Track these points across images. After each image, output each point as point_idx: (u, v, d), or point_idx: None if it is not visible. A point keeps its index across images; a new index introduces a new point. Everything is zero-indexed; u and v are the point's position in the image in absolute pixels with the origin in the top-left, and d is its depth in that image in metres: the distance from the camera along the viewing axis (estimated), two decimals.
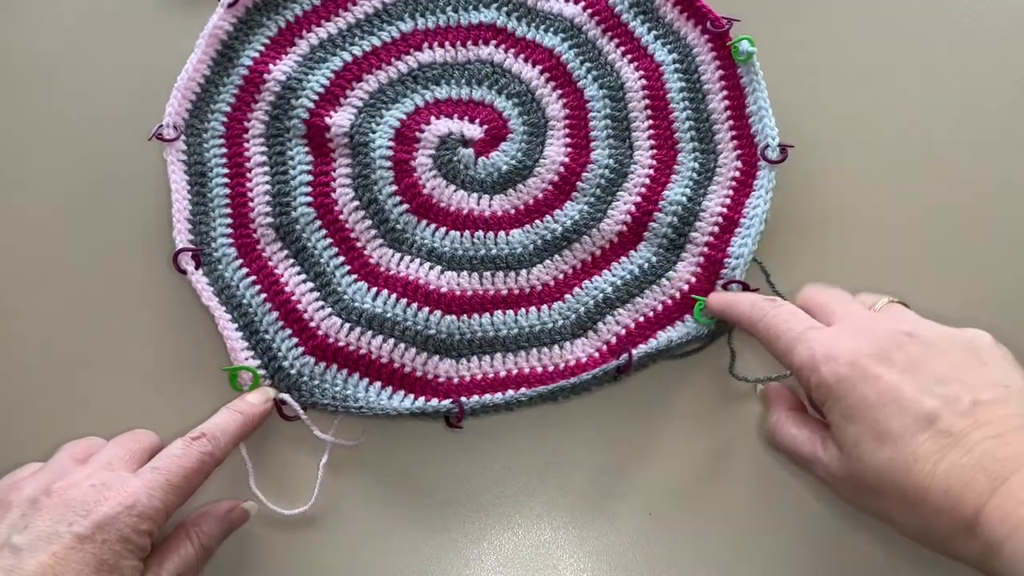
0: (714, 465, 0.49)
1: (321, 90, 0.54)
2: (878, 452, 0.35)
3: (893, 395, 0.36)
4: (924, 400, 0.35)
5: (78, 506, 0.37)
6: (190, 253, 0.50)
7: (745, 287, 0.50)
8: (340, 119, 0.53)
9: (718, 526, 0.47)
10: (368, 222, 0.52)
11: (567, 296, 0.51)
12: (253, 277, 0.50)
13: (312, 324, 0.49)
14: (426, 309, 0.50)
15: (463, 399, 0.48)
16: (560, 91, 0.55)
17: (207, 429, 0.43)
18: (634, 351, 0.48)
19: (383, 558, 0.47)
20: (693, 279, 0.51)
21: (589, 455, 0.49)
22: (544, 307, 0.51)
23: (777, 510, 0.48)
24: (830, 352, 0.38)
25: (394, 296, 0.50)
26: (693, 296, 0.50)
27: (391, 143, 0.53)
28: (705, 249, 0.51)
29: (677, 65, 0.55)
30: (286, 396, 0.47)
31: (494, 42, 0.56)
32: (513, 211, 0.53)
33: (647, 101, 0.54)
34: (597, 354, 0.50)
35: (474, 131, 0.54)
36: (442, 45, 0.56)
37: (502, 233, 0.52)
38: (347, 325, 0.49)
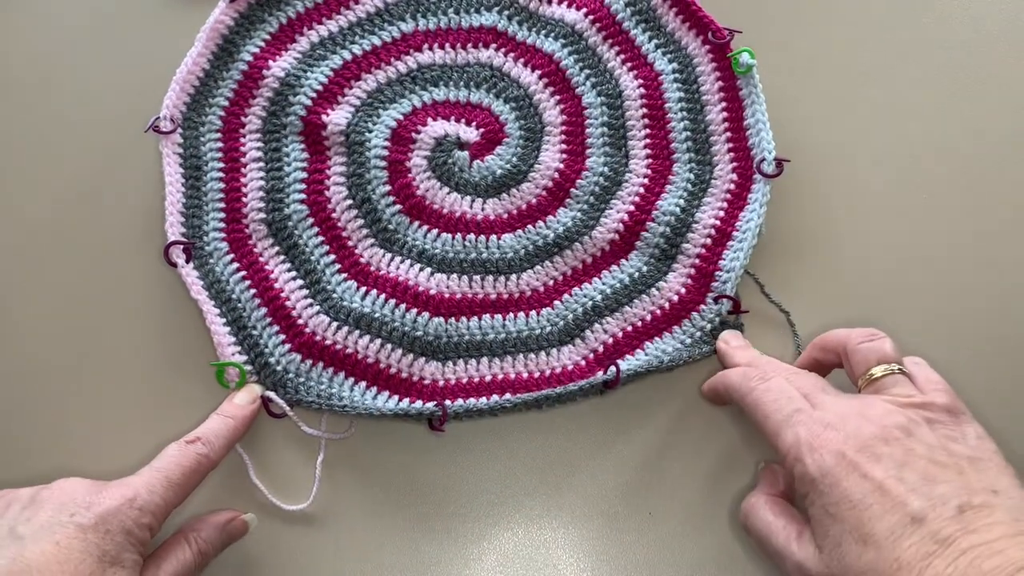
0: (714, 465, 0.48)
1: (319, 88, 0.54)
2: (862, 555, 0.34)
3: (879, 494, 0.35)
4: (911, 500, 0.34)
5: (80, 499, 0.38)
6: (181, 246, 0.50)
7: (735, 303, 0.50)
8: (337, 117, 0.53)
9: (718, 526, 0.47)
10: (360, 221, 0.52)
11: (556, 303, 0.51)
12: (243, 272, 0.50)
13: (300, 321, 0.49)
14: (414, 310, 0.50)
15: (447, 402, 0.47)
16: (558, 97, 0.55)
17: (201, 433, 0.43)
18: (623, 365, 0.48)
19: (383, 558, 0.47)
20: (683, 290, 0.51)
21: (589, 455, 0.49)
22: (533, 313, 0.51)
23: None
24: (816, 441, 0.37)
25: (383, 296, 0.50)
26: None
27: (387, 143, 0.53)
28: (697, 261, 0.51)
29: (677, 75, 0.54)
30: (271, 394, 0.47)
31: (494, 45, 0.56)
32: (506, 215, 0.52)
33: (645, 110, 0.54)
34: (584, 362, 0.50)
35: (470, 134, 0.54)
36: (442, 47, 0.56)
37: (494, 237, 0.52)
38: (335, 324, 0.49)
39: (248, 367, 0.48)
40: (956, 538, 0.33)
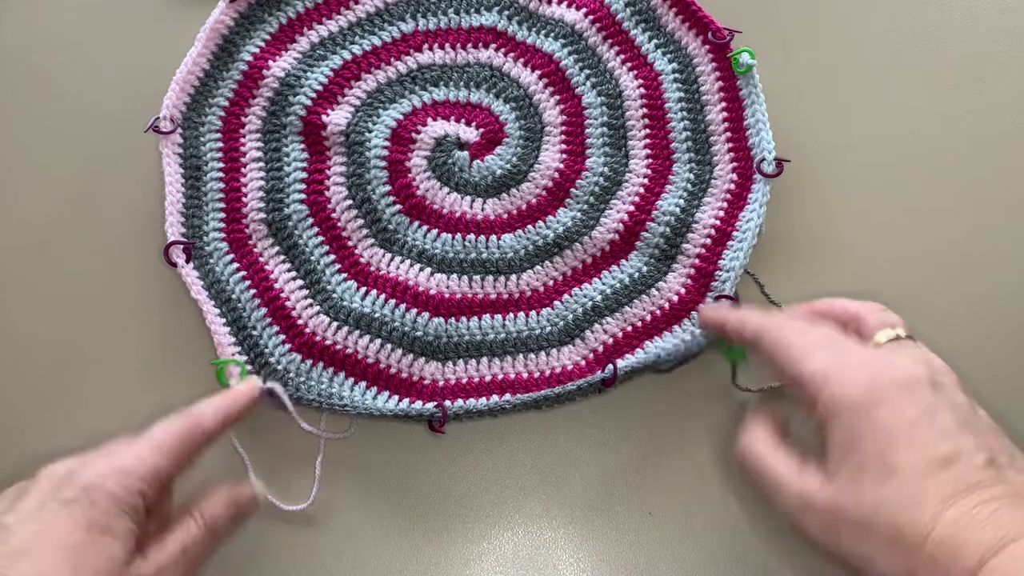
0: (714, 465, 0.48)
1: (319, 88, 0.54)
2: (880, 486, 0.33)
3: (909, 429, 0.34)
4: (941, 443, 0.33)
5: (64, 476, 0.37)
6: (181, 246, 0.50)
7: (734, 302, 0.50)
8: (337, 117, 0.53)
9: (718, 526, 0.47)
10: (360, 221, 0.52)
11: (556, 303, 0.51)
12: (243, 272, 0.50)
13: (300, 321, 0.49)
14: (414, 310, 0.50)
15: (447, 403, 0.47)
16: (558, 97, 0.55)
17: (195, 408, 0.41)
18: (620, 363, 0.48)
19: (383, 558, 0.47)
20: (683, 290, 0.50)
21: (589, 455, 0.49)
22: (532, 313, 0.51)
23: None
24: (846, 371, 0.36)
25: (383, 296, 0.50)
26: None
27: (387, 143, 0.53)
28: (696, 261, 0.51)
29: (677, 75, 0.54)
30: (276, 385, 0.47)
31: (494, 46, 0.56)
32: (506, 215, 0.52)
33: (645, 110, 0.54)
34: (583, 362, 0.50)
35: (470, 134, 0.54)
36: (442, 47, 0.56)
37: (494, 237, 0.52)
38: (335, 324, 0.49)
39: (248, 367, 0.48)
40: (983, 486, 0.32)
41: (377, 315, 0.49)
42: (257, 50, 0.55)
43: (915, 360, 0.37)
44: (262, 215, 0.52)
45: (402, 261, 0.51)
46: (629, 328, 0.50)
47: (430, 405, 0.47)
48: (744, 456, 0.39)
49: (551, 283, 0.51)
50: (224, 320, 0.49)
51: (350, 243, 0.52)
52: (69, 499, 0.35)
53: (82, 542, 0.34)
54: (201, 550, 0.39)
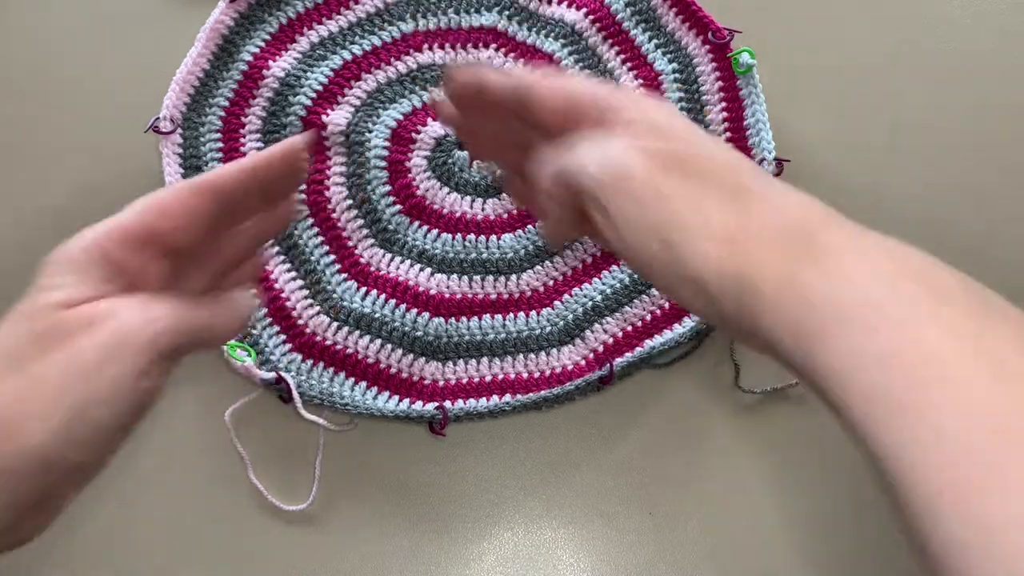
0: (714, 465, 0.48)
1: (319, 88, 0.54)
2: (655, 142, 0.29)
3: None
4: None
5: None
6: None
7: None
8: (337, 117, 0.53)
9: (718, 526, 0.47)
10: (360, 221, 0.52)
11: (556, 303, 0.51)
12: None
13: (300, 322, 0.49)
14: (414, 311, 0.50)
15: (447, 404, 0.47)
16: None
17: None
18: (616, 361, 0.48)
19: (383, 558, 0.47)
20: None
21: (589, 455, 0.49)
22: (532, 313, 0.51)
23: (777, 510, 0.48)
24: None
25: (383, 296, 0.50)
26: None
27: (387, 143, 0.53)
28: None
29: (677, 75, 0.54)
30: (285, 375, 0.47)
31: (494, 46, 0.56)
32: (506, 216, 0.52)
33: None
34: (583, 362, 0.50)
35: None
36: (442, 47, 0.56)
37: (494, 237, 0.52)
38: (335, 324, 0.49)
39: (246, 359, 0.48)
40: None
41: (377, 315, 0.49)
42: (257, 50, 0.55)
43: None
44: None
45: (402, 261, 0.51)
46: (629, 328, 0.50)
47: (431, 407, 0.47)
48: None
49: (551, 283, 0.51)
50: None
51: (350, 243, 0.52)
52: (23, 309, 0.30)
53: (25, 355, 0.28)
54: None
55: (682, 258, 0.28)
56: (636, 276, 0.51)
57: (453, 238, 0.52)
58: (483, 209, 0.52)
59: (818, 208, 0.30)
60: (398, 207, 0.52)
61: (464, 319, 0.50)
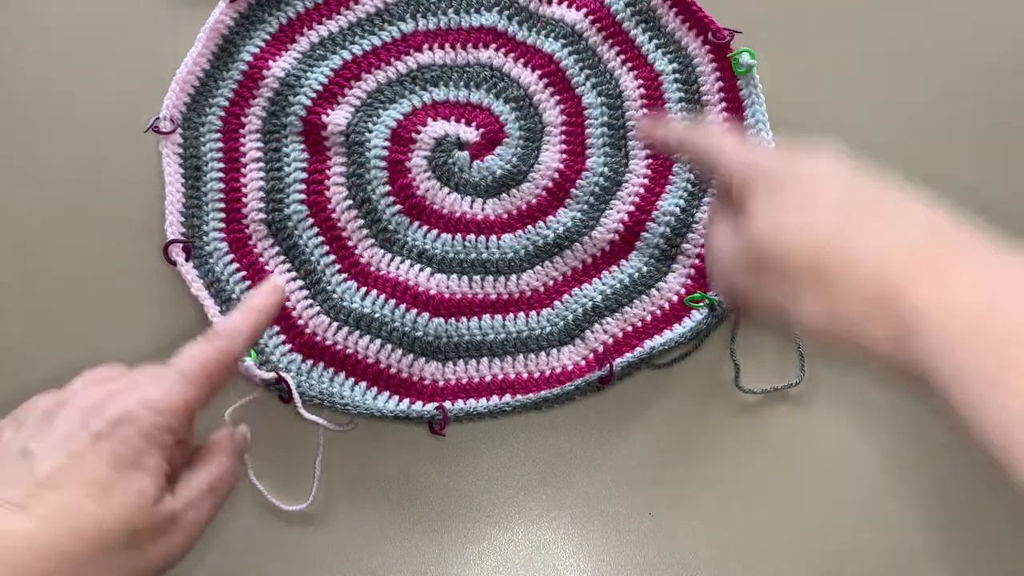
0: (714, 465, 0.49)
1: (319, 88, 0.54)
2: (801, 215, 0.33)
3: (829, 175, 0.34)
4: (867, 187, 0.34)
5: (92, 408, 0.34)
6: (180, 245, 0.50)
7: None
8: (337, 117, 0.53)
9: (718, 526, 0.47)
10: (360, 221, 0.52)
11: (556, 303, 0.51)
12: (243, 272, 0.51)
13: (300, 322, 0.49)
14: (414, 311, 0.50)
15: (447, 405, 0.47)
16: (558, 97, 0.55)
17: (219, 327, 0.39)
18: (616, 361, 0.48)
19: (383, 558, 0.47)
20: (683, 290, 0.51)
21: (589, 455, 0.49)
22: (533, 313, 0.51)
23: (777, 510, 0.48)
24: (765, 152, 0.37)
25: (383, 297, 0.50)
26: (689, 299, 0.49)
27: (387, 143, 0.53)
28: (696, 260, 0.51)
29: (677, 75, 0.55)
30: (285, 375, 0.47)
31: (494, 46, 0.56)
32: (506, 216, 0.52)
33: (645, 110, 0.54)
34: (584, 362, 0.50)
35: (470, 134, 0.54)
36: (442, 47, 0.56)
37: (494, 237, 0.52)
38: (335, 324, 0.49)
39: (255, 352, 0.48)
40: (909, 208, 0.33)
41: (377, 315, 0.49)
42: (257, 50, 0.55)
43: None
44: (262, 215, 0.52)
45: (402, 261, 0.51)
46: (629, 328, 0.50)
47: (431, 407, 0.47)
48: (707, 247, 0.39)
49: (551, 283, 0.51)
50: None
51: (350, 243, 0.52)
52: (98, 432, 0.33)
53: (111, 478, 0.32)
54: (228, 487, 0.38)
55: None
56: (636, 276, 0.51)
57: (453, 238, 0.52)
58: (483, 209, 0.52)
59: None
60: (398, 207, 0.52)
61: (464, 319, 0.50)
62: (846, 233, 0.32)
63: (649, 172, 0.53)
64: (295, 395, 0.46)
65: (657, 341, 0.49)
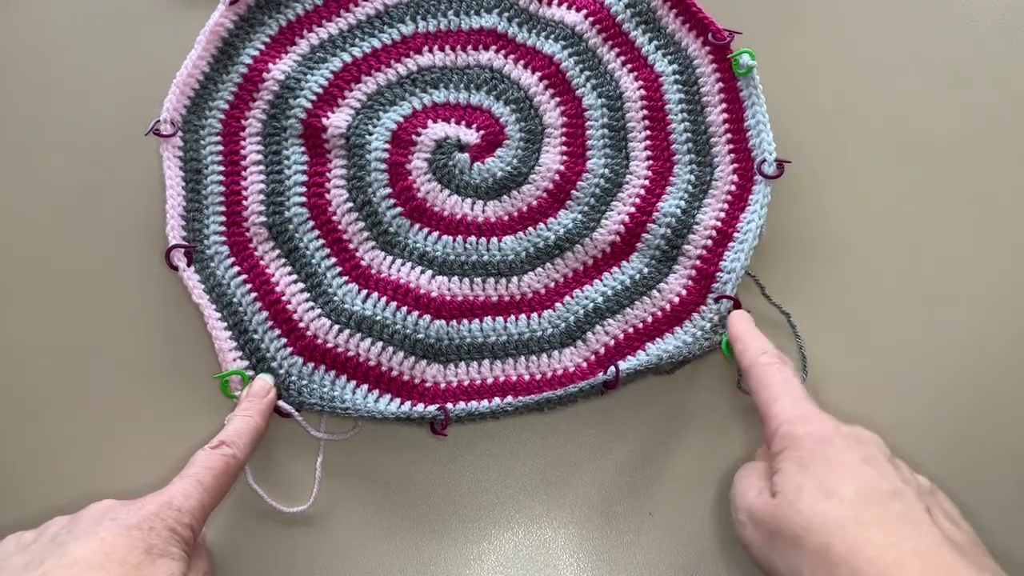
0: (714, 465, 0.49)
1: (319, 90, 0.54)
2: (819, 502, 0.36)
3: (855, 467, 0.37)
4: (882, 482, 0.36)
5: (119, 508, 0.39)
6: (182, 250, 0.50)
7: (736, 303, 0.50)
8: (337, 120, 0.53)
9: (718, 526, 0.47)
10: (361, 224, 0.52)
11: (557, 305, 0.51)
12: (244, 276, 0.51)
13: (301, 325, 0.49)
14: (415, 313, 0.50)
15: (448, 406, 0.48)
16: (558, 99, 0.55)
17: (225, 436, 0.43)
18: (622, 365, 0.48)
19: (383, 558, 0.47)
20: (684, 292, 0.51)
21: (589, 456, 0.49)
22: (534, 315, 0.51)
23: None
24: (811, 418, 0.39)
25: (384, 299, 0.50)
26: (719, 331, 0.49)
27: (387, 145, 0.53)
28: (697, 262, 0.51)
29: (677, 76, 0.54)
30: (283, 404, 0.47)
31: (494, 47, 0.56)
32: (506, 217, 0.52)
33: (645, 112, 0.54)
34: (585, 364, 0.50)
35: (471, 136, 0.54)
36: (442, 49, 0.56)
37: (494, 239, 0.52)
38: (336, 327, 0.49)
39: (250, 372, 0.48)
40: (919, 522, 0.35)
41: (378, 318, 0.49)
42: (257, 53, 0.55)
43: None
44: (263, 218, 0.52)
45: (403, 263, 0.51)
46: (631, 330, 0.50)
47: (432, 408, 0.47)
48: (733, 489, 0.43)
49: (552, 285, 0.51)
50: (225, 324, 0.49)
51: (351, 246, 0.52)
52: (129, 524, 0.37)
53: (143, 561, 0.36)
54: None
55: None
56: (637, 278, 0.51)
57: (454, 240, 0.52)
58: (484, 211, 0.53)
59: None
60: (399, 209, 0.52)
61: (465, 321, 0.50)
62: (860, 529, 0.34)
63: (650, 173, 0.53)
64: (296, 416, 0.47)
65: (663, 350, 0.49)
